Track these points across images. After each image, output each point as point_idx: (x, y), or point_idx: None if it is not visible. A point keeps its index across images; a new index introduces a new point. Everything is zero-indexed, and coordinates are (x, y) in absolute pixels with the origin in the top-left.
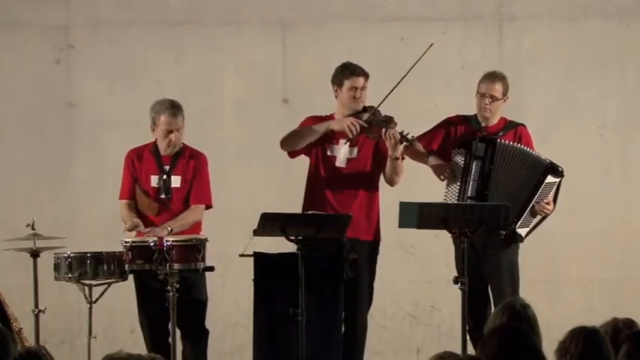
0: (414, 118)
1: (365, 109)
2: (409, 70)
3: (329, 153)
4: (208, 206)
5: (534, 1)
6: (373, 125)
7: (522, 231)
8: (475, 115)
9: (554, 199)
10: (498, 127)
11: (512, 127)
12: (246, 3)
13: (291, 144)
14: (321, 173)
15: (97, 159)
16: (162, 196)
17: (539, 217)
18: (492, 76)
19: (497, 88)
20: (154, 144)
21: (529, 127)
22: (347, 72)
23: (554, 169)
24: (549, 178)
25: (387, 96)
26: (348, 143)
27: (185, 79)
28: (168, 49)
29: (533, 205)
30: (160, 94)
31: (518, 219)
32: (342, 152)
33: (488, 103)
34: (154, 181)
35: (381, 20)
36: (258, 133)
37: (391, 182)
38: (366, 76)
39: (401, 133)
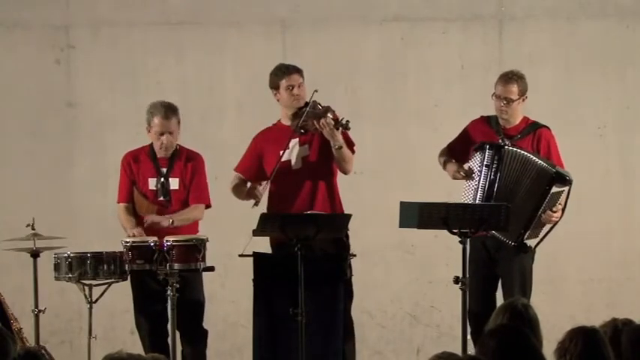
0: (414, 117)
1: (307, 104)
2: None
3: (283, 158)
4: (207, 206)
5: (534, 1)
6: (310, 119)
7: (532, 242)
8: (496, 115)
9: (564, 207)
10: (518, 129)
11: (532, 129)
12: (246, 3)
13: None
14: (279, 178)
15: (97, 159)
16: (161, 198)
17: (548, 227)
18: (507, 77)
19: (513, 90)
20: (150, 146)
21: None
22: (280, 73)
23: (561, 178)
24: (555, 188)
25: (313, 93)
26: (297, 144)
27: (185, 80)
28: (168, 50)
29: (540, 216)
30: (160, 95)
31: (525, 231)
32: (295, 154)
33: (503, 105)
34: (152, 183)
35: (381, 20)
36: None
37: (343, 171)
38: (299, 72)
39: (336, 120)
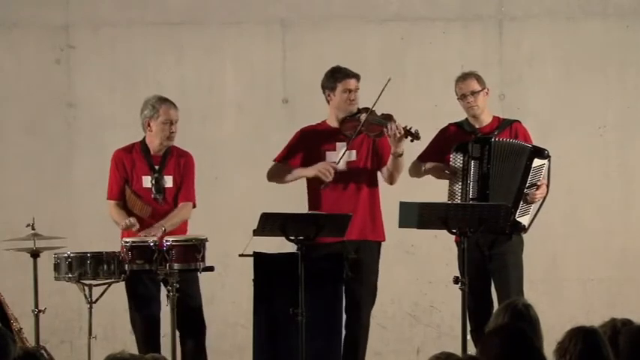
0: (414, 118)
1: (359, 110)
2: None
3: (328, 159)
4: (193, 205)
5: (534, 1)
6: (372, 125)
7: (524, 219)
8: (466, 119)
9: (547, 183)
10: (492, 127)
11: (506, 124)
12: (246, 3)
13: (275, 181)
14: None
15: (97, 159)
16: (156, 196)
17: (538, 203)
18: (463, 76)
19: (473, 83)
20: (142, 143)
21: (530, 127)
22: (339, 75)
23: (539, 152)
24: (536, 162)
25: (379, 96)
26: (345, 147)
27: (185, 79)
28: (168, 49)
29: (526, 194)
30: (159, 94)
31: (515, 208)
32: (340, 156)
33: (472, 99)
34: (147, 181)
35: (381, 20)
36: (258, 133)
37: (391, 180)
38: (357, 77)
39: (404, 128)
